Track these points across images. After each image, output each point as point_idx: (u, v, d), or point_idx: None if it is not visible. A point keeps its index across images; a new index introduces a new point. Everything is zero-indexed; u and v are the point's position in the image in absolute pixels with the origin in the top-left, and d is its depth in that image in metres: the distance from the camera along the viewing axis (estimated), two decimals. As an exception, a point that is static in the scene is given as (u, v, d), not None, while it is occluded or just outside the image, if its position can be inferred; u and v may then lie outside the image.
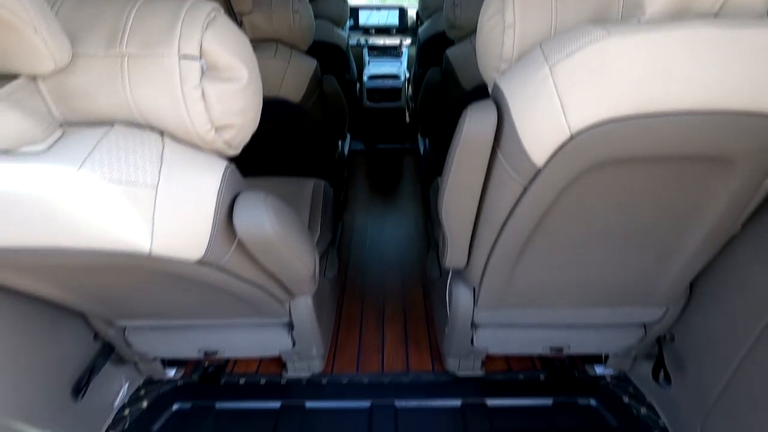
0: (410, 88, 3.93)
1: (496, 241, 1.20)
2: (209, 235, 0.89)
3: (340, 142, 3.24)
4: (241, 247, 1.01)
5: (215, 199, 0.87)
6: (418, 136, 3.78)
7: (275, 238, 0.96)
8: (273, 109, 2.05)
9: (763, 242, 1.23)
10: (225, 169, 0.90)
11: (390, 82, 3.51)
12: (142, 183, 0.77)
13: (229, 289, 1.13)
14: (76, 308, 1.35)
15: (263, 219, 0.92)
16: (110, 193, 0.74)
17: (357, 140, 4.19)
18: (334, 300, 2.03)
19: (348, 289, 2.37)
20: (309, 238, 1.15)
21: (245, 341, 1.64)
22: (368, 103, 3.67)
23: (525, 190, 1.01)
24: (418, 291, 2.33)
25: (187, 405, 1.72)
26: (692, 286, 1.46)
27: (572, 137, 0.87)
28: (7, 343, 1.27)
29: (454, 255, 1.30)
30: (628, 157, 0.91)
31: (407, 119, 4.02)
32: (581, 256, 1.25)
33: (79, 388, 1.48)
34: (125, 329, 1.61)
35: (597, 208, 1.07)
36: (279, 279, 1.21)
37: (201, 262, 0.94)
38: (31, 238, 0.79)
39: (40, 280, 1.08)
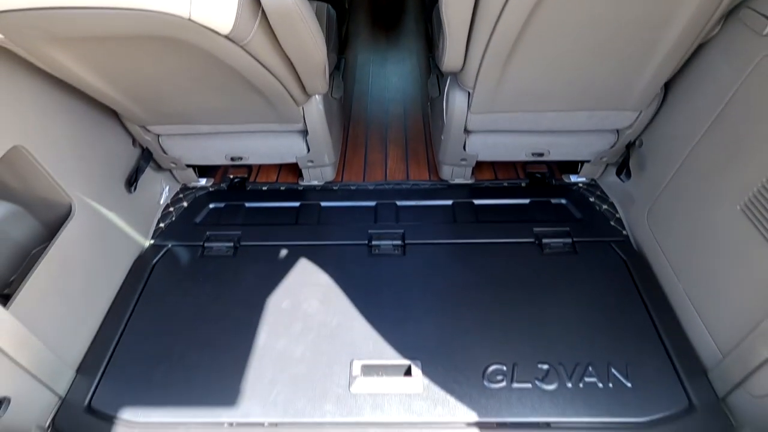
0: None
1: (490, 38, 1.32)
2: (236, 6, 1.01)
3: (340, -34, 3.06)
4: (263, 28, 1.14)
5: None
6: None
7: (294, 7, 1.08)
8: None
9: (735, 41, 1.35)
10: None
11: None
12: None
13: (251, 76, 1.29)
14: (113, 105, 1.53)
15: None
16: None
17: None
18: (341, 120, 2.21)
19: (353, 117, 2.54)
20: (319, 26, 1.26)
21: (266, 148, 1.87)
22: None
23: None
24: (419, 118, 2.51)
25: (221, 204, 2.04)
26: (667, 90, 1.61)
27: None
28: (69, 137, 1.49)
29: (452, 56, 1.43)
30: None
31: None
32: (567, 55, 1.38)
33: (131, 182, 1.76)
34: (159, 137, 1.83)
35: None
36: (295, 69, 1.36)
37: (229, 38, 1.08)
38: None
39: (83, 64, 1.23)
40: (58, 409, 1.38)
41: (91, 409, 1.38)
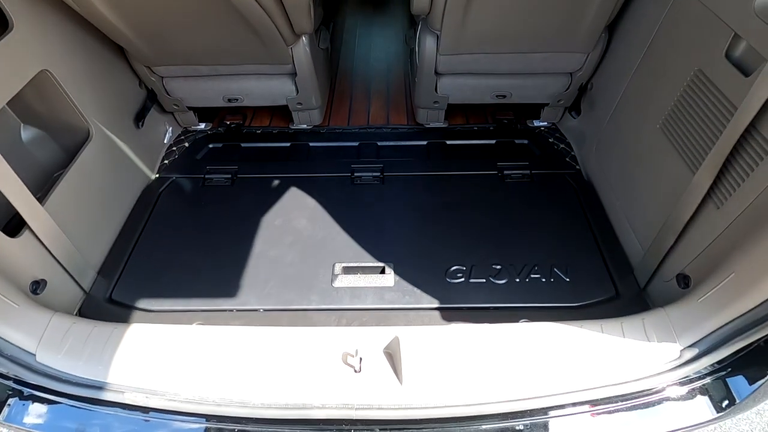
0: None
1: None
2: None
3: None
4: None
5: None
6: None
7: None
8: None
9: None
10: None
11: None
12: None
13: (243, 9, 1.50)
14: (124, 42, 1.74)
15: None
16: None
17: None
18: (327, 70, 2.42)
19: (340, 72, 2.75)
20: None
21: (259, 89, 2.09)
22: None
23: None
24: (401, 74, 2.72)
25: (219, 144, 2.26)
26: (610, 33, 1.84)
27: None
28: (87, 70, 1.70)
29: None
30: None
31: None
32: (518, 3, 1.61)
33: (138, 119, 1.98)
34: (163, 79, 2.04)
35: None
36: (283, 5, 1.57)
37: None
38: None
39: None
40: (83, 301, 1.62)
41: (112, 300, 1.62)
